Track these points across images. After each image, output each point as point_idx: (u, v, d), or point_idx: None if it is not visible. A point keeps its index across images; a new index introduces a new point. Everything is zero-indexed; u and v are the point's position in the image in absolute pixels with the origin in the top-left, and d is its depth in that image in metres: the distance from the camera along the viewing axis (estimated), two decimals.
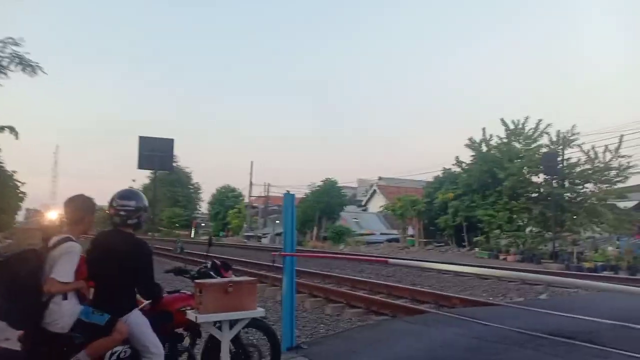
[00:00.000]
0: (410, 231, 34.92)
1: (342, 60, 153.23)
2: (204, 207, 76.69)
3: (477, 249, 26.84)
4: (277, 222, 49.07)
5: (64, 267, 3.17)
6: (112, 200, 3.59)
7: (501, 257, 23.82)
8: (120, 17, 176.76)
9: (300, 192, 45.51)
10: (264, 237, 47.62)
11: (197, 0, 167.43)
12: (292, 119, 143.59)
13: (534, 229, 27.28)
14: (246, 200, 58.29)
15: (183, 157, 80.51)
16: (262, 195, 55.82)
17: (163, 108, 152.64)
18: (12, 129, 23.02)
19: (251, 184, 55.28)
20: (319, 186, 42.89)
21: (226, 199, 64.14)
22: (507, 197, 27.56)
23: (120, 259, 3.46)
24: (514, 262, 21.85)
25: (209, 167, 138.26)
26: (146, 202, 3.70)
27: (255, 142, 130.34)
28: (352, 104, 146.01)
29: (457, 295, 9.78)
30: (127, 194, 3.66)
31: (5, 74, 20.64)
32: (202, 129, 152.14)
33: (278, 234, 44.46)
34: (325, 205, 41.02)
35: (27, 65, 20.54)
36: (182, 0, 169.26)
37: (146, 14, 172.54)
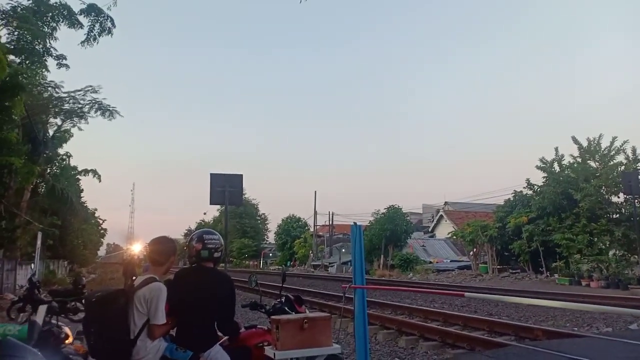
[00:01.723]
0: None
1: (407, 86, 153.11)
2: (271, 237, 78.13)
3: (556, 275, 25.38)
4: (343, 250, 48.90)
5: (159, 310, 3.34)
6: (199, 237, 3.73)
7: (583, 283, 22.38)
8: (188, 60, 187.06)
9: (364, 220, 45.28)
10: (331, 266, 47.51)
11: (264, 41, 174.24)
12: (354, 146, 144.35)
13: (617, 252, 25.47)
14: (311, 229, 58.70)
15: (249, 189, 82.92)
16: (327, 224, 56.02)
17: (228, 141, 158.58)
18: (95, 173, 24.77)
19: (316, 213, 55.76)
20: (383, 213, 42.43)
21: (292, 229, 64.94)
22: (585, 219, 25.99)
23: (204, 293, 3.58)
24: (598, 289, 20.42)
25: (274, 198, 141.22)
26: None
27: (318, 171, 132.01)
28: (413, 129, 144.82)
29: (538, 327, 9.25)
30: (211, 231, 3.85)
31: (86, 119, 22.34)
32: (266, 160, 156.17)
33: (344, 263, 44.23)
34: (390, 233, 40.44)
35: (105, 110, 22.11)
36: (251, 42, 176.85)
37: (210, 56, 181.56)
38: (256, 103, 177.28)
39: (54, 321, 3.42)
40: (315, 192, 59.37)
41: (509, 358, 6.37)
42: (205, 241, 3.69)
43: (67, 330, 3.12)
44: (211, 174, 12.94)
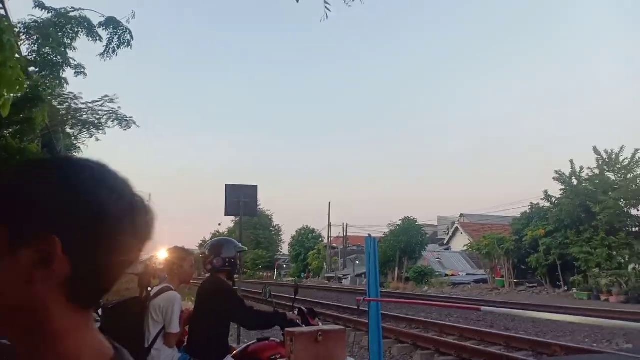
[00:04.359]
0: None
1: (420, 94, 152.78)
2: (284, 249, 78.11)
3: (574, 290, 24.94)
4: (357, 262, 48.61)
5: (174, 319, 3.39)
6: None
7: (602, 297, 21.97)
8: (198, 74, 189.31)
9: (378, 232, 45.02)
10: (345, 279, 47.25)
11: (275, 57, 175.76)
12: (368, 157, 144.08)
13: (637, 266, 24.93)
14: (325, 241, 58.48)
15: (263, 200, 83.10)
16: (341, 235, 55.79)
17: (241, 153, 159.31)
18: None
19: (330, 224, 55.56)
20: (397, 225, 42.18)
21: (306, 240, 64.80)
22: (604, 232, 25.53)
23: (204, 304, 3.64)
24: (618, 304, 20.00)
25: (288, 209, 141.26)
26: (219, 249, 3.77)
27: (332, 182, 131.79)
28: (426, 140, 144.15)
29: (556, 342, 9.05)
30: (208, 243, 3.90)
31: (103, 130, 22.59)
32: (279, 171, 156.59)
33: (358, 275, 43.95)
34: (405, 245, 40.13)
35: (122, 120, 22.32)
36: (260, 58, 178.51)
37: (222, 70, 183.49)
38: (269, 113, 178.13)
39: None
40: (330, 203, 59.01)
41: None
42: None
43: None
44: (226, 185, 12.89)
